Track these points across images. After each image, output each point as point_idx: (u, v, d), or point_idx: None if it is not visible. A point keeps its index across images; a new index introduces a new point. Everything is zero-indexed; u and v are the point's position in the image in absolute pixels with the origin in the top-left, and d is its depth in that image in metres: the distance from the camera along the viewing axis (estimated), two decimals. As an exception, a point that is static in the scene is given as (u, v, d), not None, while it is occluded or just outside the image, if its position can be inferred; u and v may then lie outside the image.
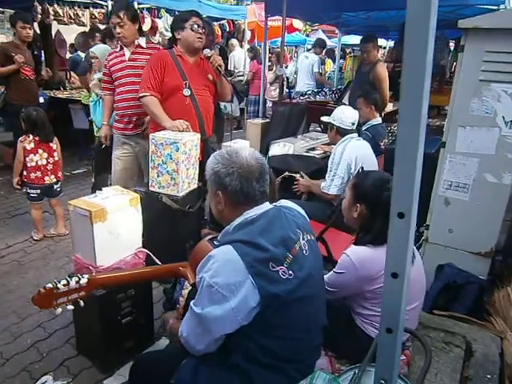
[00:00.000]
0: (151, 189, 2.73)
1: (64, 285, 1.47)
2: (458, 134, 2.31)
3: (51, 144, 3.54)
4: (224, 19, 8.33)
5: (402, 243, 0.69)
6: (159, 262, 2.14)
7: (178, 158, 2.59)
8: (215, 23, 8.08)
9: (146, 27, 6.42)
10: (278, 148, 3.72)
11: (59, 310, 1.48)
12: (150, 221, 2.38)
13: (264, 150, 3.85)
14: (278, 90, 6.31)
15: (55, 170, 3.59)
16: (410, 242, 0.69)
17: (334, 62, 9.24)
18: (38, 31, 6.28)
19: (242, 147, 1.52)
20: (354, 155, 2.88)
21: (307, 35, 15.10)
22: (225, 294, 1.22)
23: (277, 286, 1.26)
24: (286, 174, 3.28)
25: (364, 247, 1.70)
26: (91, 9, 6.00)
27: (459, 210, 2.40)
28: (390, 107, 5.62)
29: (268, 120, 4.36)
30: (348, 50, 11.60)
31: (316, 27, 13.80)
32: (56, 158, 3.58)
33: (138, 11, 6.14)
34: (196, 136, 2.71)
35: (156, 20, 6.69)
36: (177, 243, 2.74)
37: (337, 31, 8.85)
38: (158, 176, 2.68)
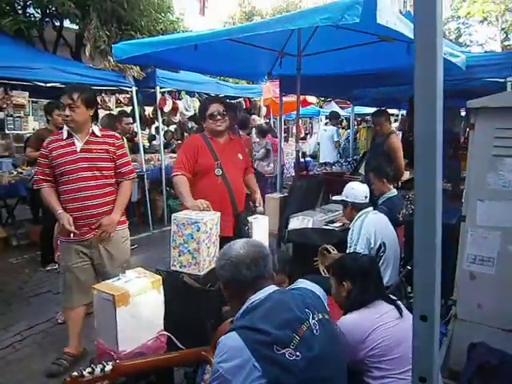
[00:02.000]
0: (172, 268, 2.74)
1: (89, 372, 1.49)
2: (478, 208, 2.32)
3: None
4: (241, 97, 8.80)
5: (427, 347, 0.69)
6: (181, 346, 2.12)
7: (199, 238, 2.63)
8: (233, 101, 8.57)
9: (167, 108, 6.84)
10: (297, 222, 3.75)
11: None
12: (171, 300, 2.38)
13: (283, 224, 3.89)
14: (271, 164, 6.51)
15: None
16: (435, 345, 0.70)
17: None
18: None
19: (238, 240, 1.63)
20: (372, 230, 2.89)
21: (321, 107, 15.72)
22: (228, 377, 1.27)
23: (284, 368, 1.27)
24: (325, 246, 3.14)
25: (348, 314, 1.91)
26: (117, 95, 6.47)
27: (486, 285, 2.34)
28: (406, 175, 5.67)
29: (286, 194, 4.44)
30: (360, 119, 12.05)
31: (329, 99, 14.47)
32: None
33: (160, 94, 6.62)
34: (216, 215, 2.77)
35: (177, 101, 7.12)
36: (198, 322, 2.70)
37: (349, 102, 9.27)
38: (180, 255, 2.71)
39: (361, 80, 5.35)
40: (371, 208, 3.12)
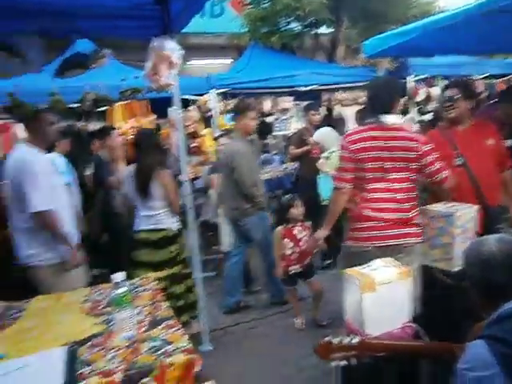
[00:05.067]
0: (423, 261, 2.68)
1: (338, 342, 1.67)
2: None
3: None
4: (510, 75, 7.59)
5: None
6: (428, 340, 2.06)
7: (452, 232, 2.49)
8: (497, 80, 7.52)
9: (419, 97, 6.56)
10: None
11: (333, 363, 1.66)
12: (420, 293, 2.34)
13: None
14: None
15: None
16: None
17: None
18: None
19: (491, 236, 1.43)
20: None
21: None
22: None
23: None
24: None
25: None
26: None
27: None
28: None
29: None
30: None
31: None
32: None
33: (413, 83, 6.42)
34: (473, 208, 2.55)
35: (430, 89, 6.73)
36: (448, 320, 2.55)
37: None
38: (431, 249, 2.62)
39: None
40: None
